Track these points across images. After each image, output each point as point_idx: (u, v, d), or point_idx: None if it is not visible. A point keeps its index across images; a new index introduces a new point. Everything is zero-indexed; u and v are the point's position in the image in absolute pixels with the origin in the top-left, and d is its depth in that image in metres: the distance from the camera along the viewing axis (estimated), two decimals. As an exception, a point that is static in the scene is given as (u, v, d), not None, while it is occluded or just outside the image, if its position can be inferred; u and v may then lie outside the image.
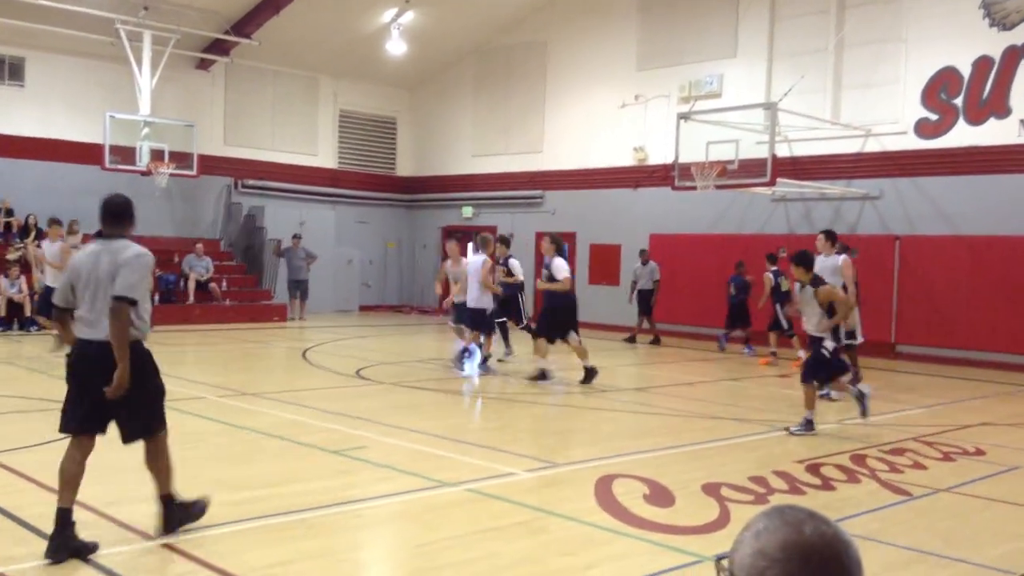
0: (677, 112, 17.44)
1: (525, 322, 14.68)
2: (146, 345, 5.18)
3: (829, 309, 9.02)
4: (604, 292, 20.89)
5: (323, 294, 23.49)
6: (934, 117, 16.46)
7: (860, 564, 1.39)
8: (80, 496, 5.05)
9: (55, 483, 5.02)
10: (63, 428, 5.10)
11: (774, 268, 15.26)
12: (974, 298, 15.72)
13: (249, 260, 22.82)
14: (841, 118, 17.42)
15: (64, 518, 4.88)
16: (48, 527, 4.91)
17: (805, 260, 9.13)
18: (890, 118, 16.92)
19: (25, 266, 17.48)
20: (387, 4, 21.68)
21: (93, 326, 5.00)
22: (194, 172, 20.58)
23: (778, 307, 15.06)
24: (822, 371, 9.17)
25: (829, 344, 9.05)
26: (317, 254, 22.15)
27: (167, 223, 22.00)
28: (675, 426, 9.68)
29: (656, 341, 18.03)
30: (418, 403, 10.68)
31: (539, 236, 16.88)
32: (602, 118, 21.41)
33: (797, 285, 9.27)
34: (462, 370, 13.14)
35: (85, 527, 5.03)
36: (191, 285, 20.17)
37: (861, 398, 9.33)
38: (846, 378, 9.93)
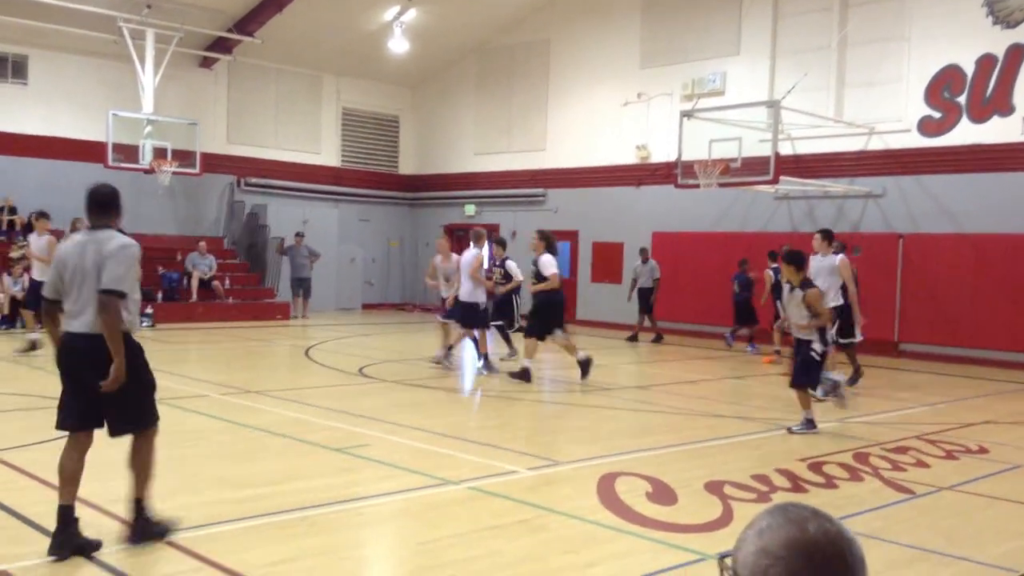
0: (680, 110, 17.38)
1: (517, 325, 14.45)
2: (136, 338, 5.10)
3: (812, 311, 8.94)
4: (607, 290, 20.89)
5: (326, 292, 23.53)
6: (937, 115, 16.43)
7: (863, 562, 1.38)
8: (82, 493, 5.05)
9: (57, 480, 5.01)
10: (61, 425, 5.04)
11: (775, 266, 15.24)
12: (977, 296, 15.69)
13: (252, 258, 22.84)
14: (844, 116, 17.39)
15: (66, 515, 4.87)
16: (51, 524, 4.90)
17: (796, 260, 8.94)
18: (893, 116, 16.89)
19: (29, 264, 17.48)
20: (390, 2, 21.67)
21: (78, 318, 4.93)
22: (197, 170, 20.59)
23: (779, 304, 15.04)
24: (812, 374, 9.09)
25: (818, 347, 8.90)
26: (320, 252, 22.20)
27: (170, 221, 22.04)
28: (677, 424, 9.67)
29: (659, 339, 18.01)
30: (420, 401, 10.69)
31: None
32: (605, 116, 21.39)
33: (787, 286, 9.10)
34: (485, 371, 12.75)
35: (88, 525, 5.03)
36: (194, 283, 20.20)
37: (836, 387, 9.68)
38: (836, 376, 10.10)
